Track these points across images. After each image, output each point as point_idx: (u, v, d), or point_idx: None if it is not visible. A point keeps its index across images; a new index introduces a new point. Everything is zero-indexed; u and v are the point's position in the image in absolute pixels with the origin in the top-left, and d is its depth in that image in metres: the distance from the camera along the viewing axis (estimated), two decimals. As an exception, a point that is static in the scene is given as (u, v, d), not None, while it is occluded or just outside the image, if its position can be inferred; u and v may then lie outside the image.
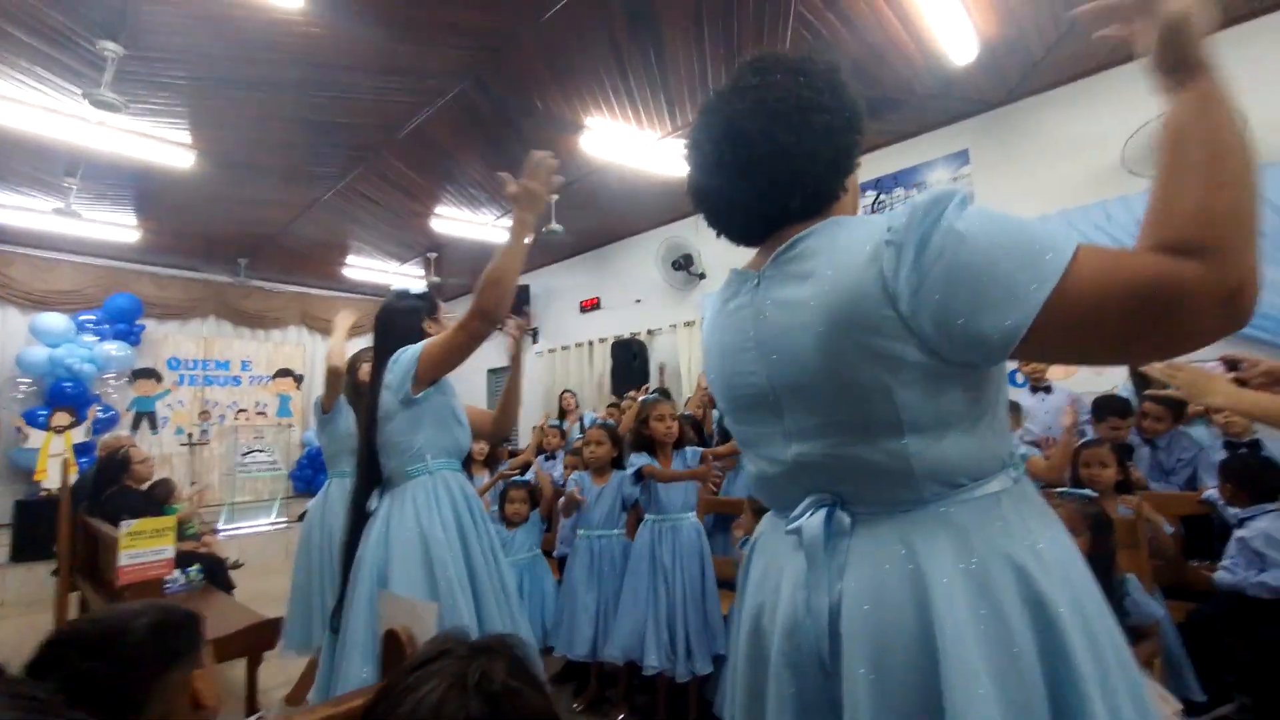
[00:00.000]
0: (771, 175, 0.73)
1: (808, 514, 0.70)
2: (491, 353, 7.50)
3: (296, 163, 4.73)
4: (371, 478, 1.54)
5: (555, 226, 5.42)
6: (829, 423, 0.69)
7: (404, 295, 1.69)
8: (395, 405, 1.48)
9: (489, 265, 1.39)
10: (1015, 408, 3.12)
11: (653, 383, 5.58)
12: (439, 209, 5.58)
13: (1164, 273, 0.53)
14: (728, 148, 0.75)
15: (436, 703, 0.53)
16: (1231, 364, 1.25)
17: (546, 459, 3.76)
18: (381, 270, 7.15)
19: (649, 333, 6.19)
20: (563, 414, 5.25)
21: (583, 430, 4.00)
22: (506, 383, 1.88)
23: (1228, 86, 0.59)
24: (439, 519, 1.44)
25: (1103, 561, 1.76)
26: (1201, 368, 1.17)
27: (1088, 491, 2.00)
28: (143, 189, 5.06)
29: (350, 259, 6.90)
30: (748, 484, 1.62)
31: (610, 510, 2.57)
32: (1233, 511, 2.14)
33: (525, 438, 6.18)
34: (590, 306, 7.00)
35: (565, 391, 5.59)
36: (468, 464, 3.28)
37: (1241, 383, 1.20)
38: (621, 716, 2.48)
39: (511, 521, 2.74)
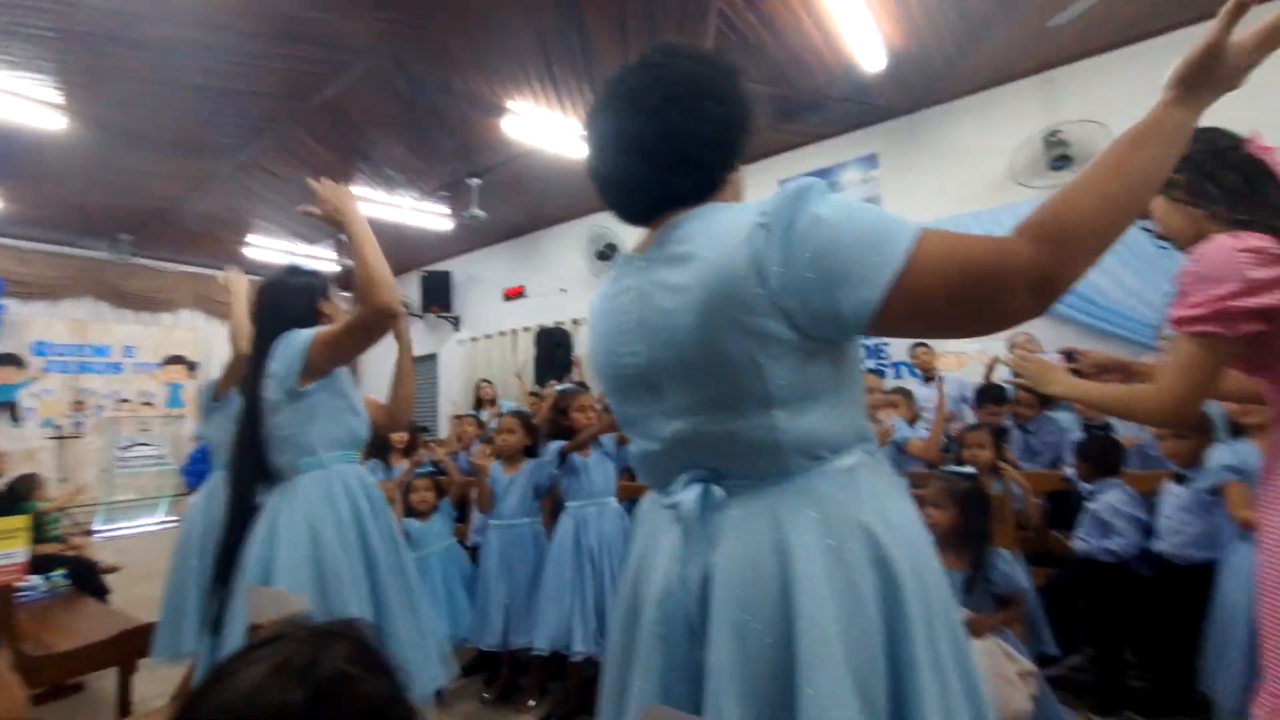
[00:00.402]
0: (660, 154, 0.76)
1: (684, 489, 0.73)
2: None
3: (191, 132, 4.36)
4: (255, 473, 1.43)
5: (477, 212, 5.29)
6: (704, 400, 0.72)
7: (296, 271, 1.58)
8: (282, 396, 1.39)
9: (358, 271, 1.32)
10: (908, 395, 3.36)
11: (577, 373, 5.57)
12: (351, 188, 5.30)
13: (997, 250, 0.60)
14: (623, 124, 0.77)
15: (249, 690, 0.48)
16: (1069, 355, 1.39)
17: (463, 450, 3.68)
18: (288, 251, 6.72)
19: (574, 322, 6.17)
20: (480, 403, 5.14)
21: (502, 420, 3.94)
22: (395, 368, 1.78)
23: (1191, 128, 0.67)
24: (333, 515, 1.37)
25: (975, 535, 1.94)
26: (1045, 359, 1.30)
27: (969, 469, 2.18)
28: (2, 152, 4.50)
29: (252, 238, 6.44)
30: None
31: (522, 499, 2.55)
32: (1086, 486, 2.40)
33: (456, 429, 6.00)
34: (514, 295, 6.89)
35: (482, 380, 5.48)
36: (387, 454, 3.20)
37: (1078, 373, 1.35)
38: (533, 703, 2.48)
39: (419, 512, 2.66)
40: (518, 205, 5.95)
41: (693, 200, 0.78)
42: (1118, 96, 3.64)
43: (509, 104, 4.10)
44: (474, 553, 2.79)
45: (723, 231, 0.70)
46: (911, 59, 3.82)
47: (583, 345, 6.13)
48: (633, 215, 0.84)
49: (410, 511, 2.68)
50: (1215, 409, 2.01)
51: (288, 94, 3.94)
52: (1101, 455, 2.37)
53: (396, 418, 1.80)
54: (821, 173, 4.86)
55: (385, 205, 5.55)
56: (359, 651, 0.55)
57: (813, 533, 0.67)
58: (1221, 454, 1.93)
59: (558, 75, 3.82)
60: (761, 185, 5.08)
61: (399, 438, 3.15)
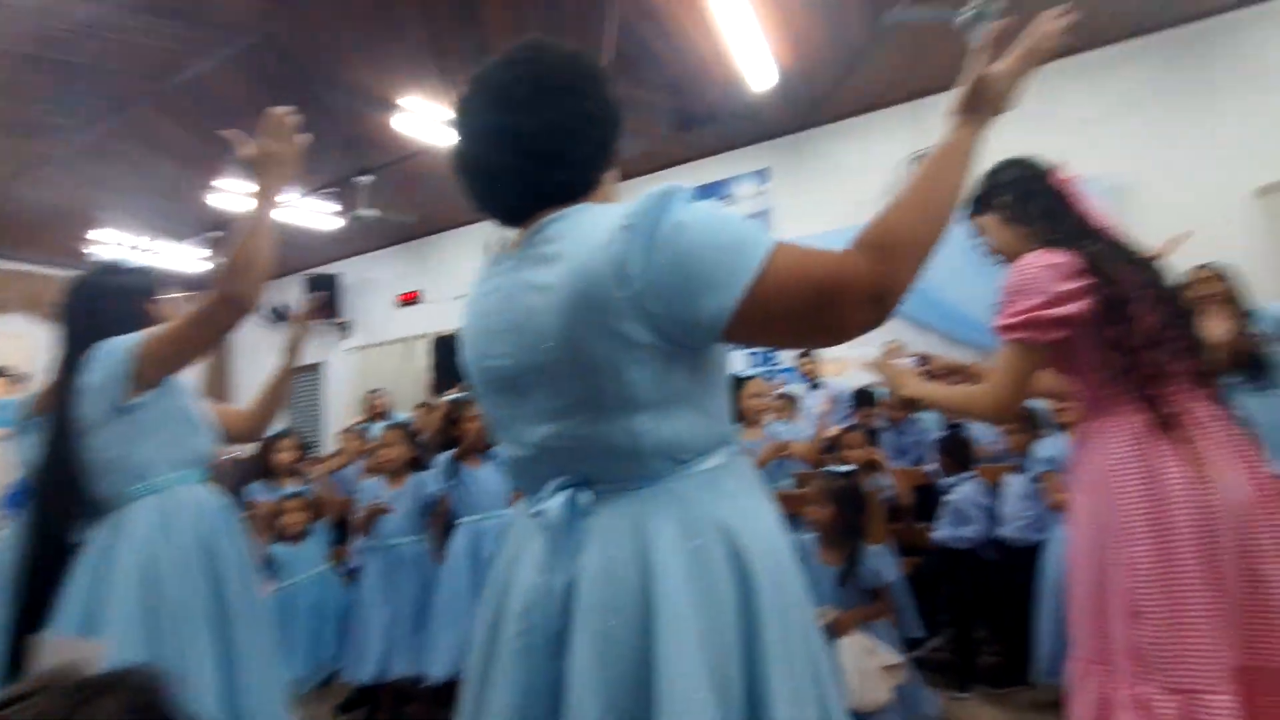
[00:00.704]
0: (531, 150, 0.75)
1: (551, 495, 0.73)
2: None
3: (22, 110, 3.81)
4: (71, 506, 1.24)
5: (367, 211, 5.01)
6: (568, 404, 0.71)
7: (114, 269, 1.40)
8: (103, 413, 1.22)
9: (235, 246, 1.19)
10: (792, 400, 3.54)
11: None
12: (222, 180, 4.85)
13: (838, 264, 0.65)
14: (494, 118, 0.76)
15: None
16: (923, 360, 1.52)
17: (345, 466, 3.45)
18: (147, 250, 6.03)
19: (474, 329, 5.97)
20: (373, 416, 4.85)
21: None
22: (276, 375, 1.62)
23: (980, 146, 0.78)
24: (172, 549, 1.21)
25: (850, 531, 2.07)
26: (899, 364, 1.42)
27: (842, 468, 2.32)
28: None
29: (97, 233, 5.70)
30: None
31: (405, 517, 2.41)
32: (945, 480, 2.63)
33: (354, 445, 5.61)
34: (410, 300, 6.58)
35: (372, 392, 5.18)
36: (273, 473, 2.91)
37: (930, 375, 1.48)
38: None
39: (289, 536, 2.46)
40: (413, 206, 5.70)
41: (564, 199, 0.77)
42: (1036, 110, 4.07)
43: (401, 100, 3.92)
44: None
45: (589, 232, 0.70)
46: (798, 80, 4.05)
47: (483, 352, 5.96)
48: (502, 213, 0.81)
49: (280, 536, 2.48)
50: (1041, 406, 2.27)
51: (142, 71, 3.55)
52: (957, 451, 2.61)
53: (260, 425, 1.63)
54: (717, 185, 5.03)
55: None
56: (132, 707, 0.49)
57: (674, 534, 0.68)
58: (1043, 446, 2.20)
59: (455, 74, 3.70)
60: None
61: (286, 457, 2.89)
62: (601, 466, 0.72)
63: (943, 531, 2.49)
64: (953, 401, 1.33)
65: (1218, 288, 2.39)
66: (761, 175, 4.89)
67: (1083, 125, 3.86)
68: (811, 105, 4.41)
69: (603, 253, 0.67)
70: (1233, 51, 3.63)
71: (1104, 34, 3.79)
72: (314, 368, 7.08)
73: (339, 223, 5.64)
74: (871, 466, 2.63)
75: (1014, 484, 2.33)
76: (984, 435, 2.91)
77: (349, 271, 6.99)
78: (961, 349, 3.82)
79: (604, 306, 0.66)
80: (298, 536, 2.48)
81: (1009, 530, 2.31)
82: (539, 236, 0.75)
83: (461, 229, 6.32)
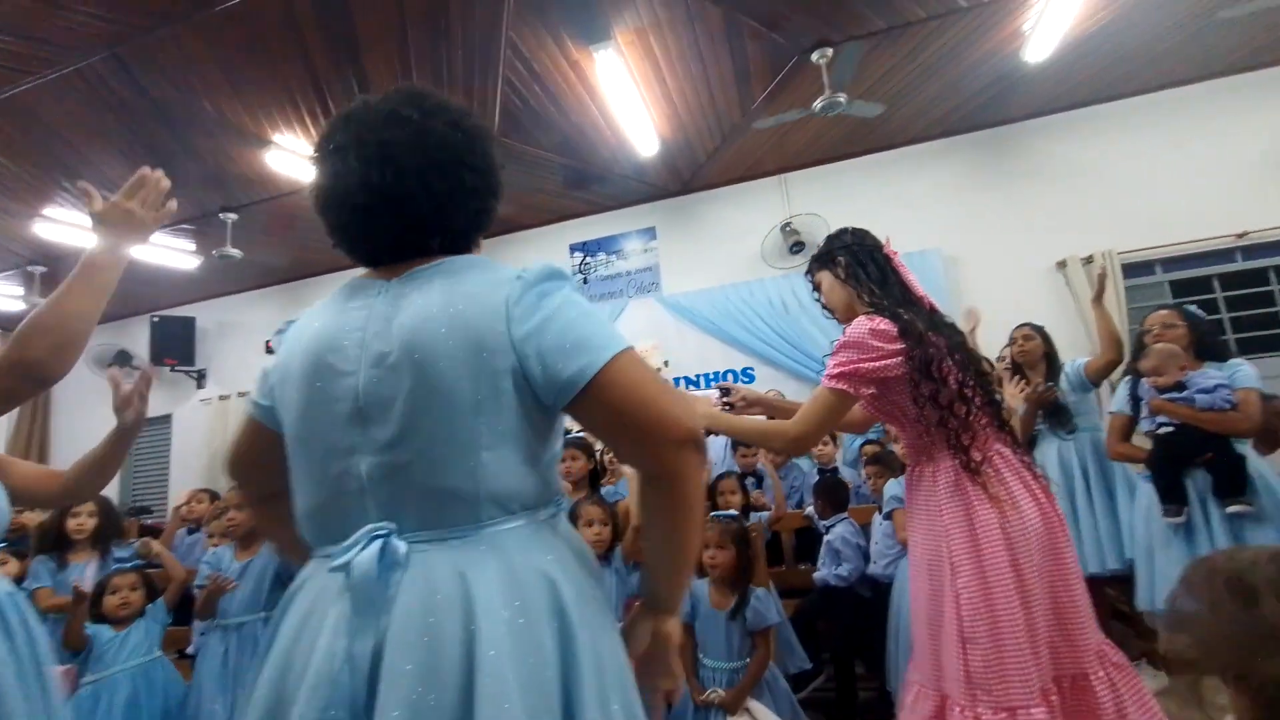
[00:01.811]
0: (418, 215, 0.77)
1: (359, 547, 0.67)
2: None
3: None
4: None
5: (230, 251, 4.62)
6: (418, 435, 0.69)
7: None
8: None
9: (43, 304, 1.04)
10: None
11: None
12: (48, 209, 4.28)
13: (670, 401, 0.71)
14: (379, 174, 0.75)
15: None
16: (723, 390, 1.63)
17: (190, 531, 3.03)
18: (-59, 284, 5.12)
19: (351, 379, 5.59)
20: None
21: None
22: (113, 438, 1.37)
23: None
24: None
25: (742, 572, 2.13)
26: (694, 394, 1.52)
27: (731, 512, 2.40)
28: None
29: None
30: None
31: (256, 591, 2.15)
32: (822, 522, 2.79)
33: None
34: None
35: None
36: (66, 545, 2.46)
37: (731, 406, 1.59)
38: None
39: (116, 619, 2.10)
40: (284, 248, 5.33)
41: (439, 254, 0.80)
42: (832, 196, 4.60)
43: (275, 136, 3.72)
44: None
45: (479, 277, 0.74)
46: (679, 148, 4.34)
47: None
48: (368, 259, 0.82)
49: (103, 618, 2.11)
50: (896, 449, 2.51)
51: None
52: (833, 493, 2.79)
53: (84, 487, 1.36)
54: (608, 240, 5.20)
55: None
56: None
57: (498, 586, 0.67)
58: (891, 486, 2.42)
59: (333, 113, 3.58)
60: (553, 247, 5.29)
61: (79, 524, 2.48)
62: (428, 510, 0.69)
63: (822, 571, 2.62)
64: (755, 434, 1.47)
65: (1037, 344, 2.80)
66: (649, 233, 5.13)
67: (918, 205, 4.47)
68: (692, 172, 4.73)
69: (493, 296, 0.72)
70: (1026, 151, 4.40)
71: (928, 131, 4.45)
72: (162, 420, 6.24)
73: (195, 262, 5.14)
74: (750, 509, 2.74)
75: (881, 525, 2.53)
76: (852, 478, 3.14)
77: (206, 315, 6.33)
78: (808, 384, 4.17)
79: (487, 344, 0.70)
80: (127, 619, 2.12)
81: (877, 567, 2.48)
82: (426, 273, 0.76)
83: (336, 274, 5.98)
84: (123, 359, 6.05)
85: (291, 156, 3.78)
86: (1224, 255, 4.02)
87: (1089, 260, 4.07)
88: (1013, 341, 2.86)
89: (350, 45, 3.06)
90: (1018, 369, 2.80)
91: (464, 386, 0.69)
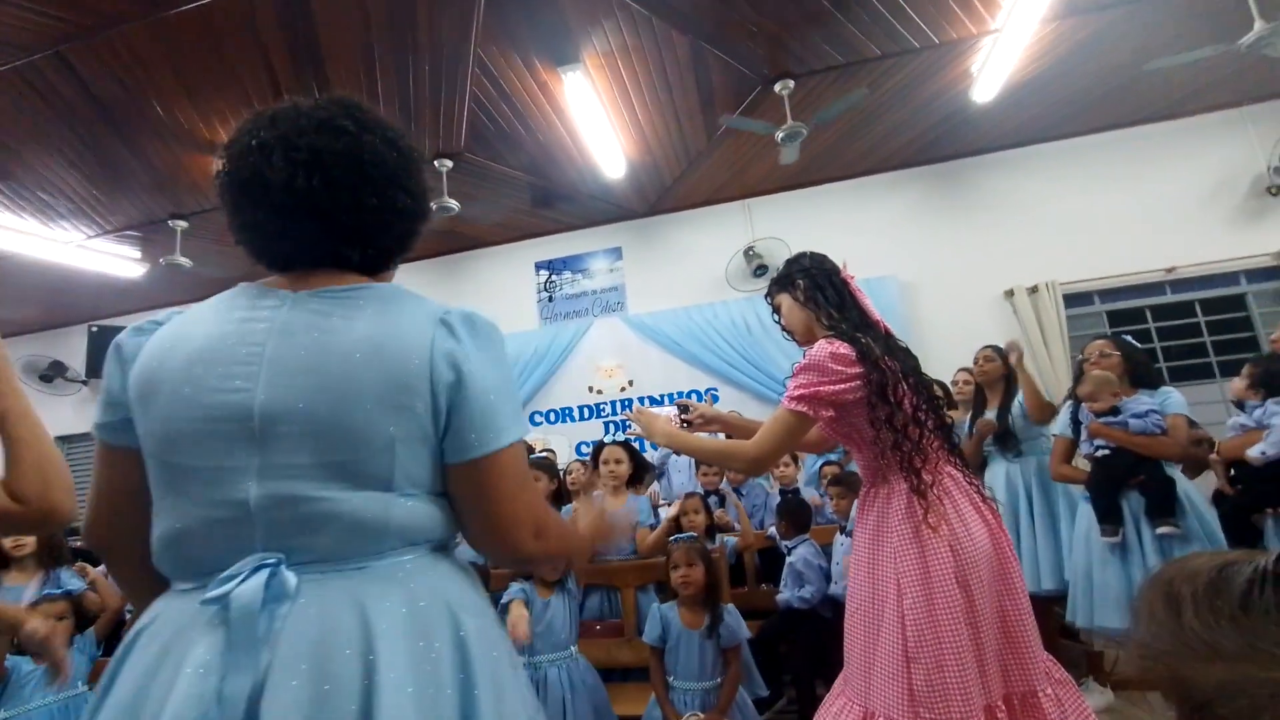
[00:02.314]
0: (344, 227, 0.74)
1: (241, 577, 0.61)
2: (68, 415, 5.59)
3: None
4: None
5: (180, 259, 4.44)
6: (323, 464, 0.66)
7: None
8: None
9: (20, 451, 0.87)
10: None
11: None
12: (-20, 214, 4.04)
13: (536, 514, 0.77)
14: (306, 179, 0.71)
15: None
16: (683, 408, 1.64)
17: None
18: None
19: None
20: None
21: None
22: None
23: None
24: None
25: (712, 589, 2.12)
26: (654, 412, 1.52)
27: (691, 534, 2.38)
28: None
29: None
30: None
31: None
32: (785, 543, 2.80)
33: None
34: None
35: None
36: (4, 565, 2.25)
37: (689, 424, 1.60)
38: None
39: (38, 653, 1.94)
40: (237, 258, 5.12)
41: (364, 274, 0.78)
42: (792, 223, 4.73)
43: (230, 145, 3.61)
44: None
45: (405, 311, 0.72)
46: (646, 172, 4.40)
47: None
48: (276, 262, 0.77)
49: (24, 648, 1.94)
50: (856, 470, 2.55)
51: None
52: (796, 514, 2.80)
53: (33, 498, 1.20)
54: (574, 259, 5.20)
55: (36, 238, 4.33)
56: None
57: (400, 618, 0.65)
58: (855, 507, 2.44)
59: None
60: (519, 264, 5.27)
61: (16, 544, 2.31)
62: (328, 540, 0.65)
63: (784, 593, 2.63)
64: (714, 453, 1.47)
65: (996, 365, 2.88)
66: (616, 253, 5.15)
67: (874, 233, 4.63)
68: (659, 195, 4.80)
69: (420, 333, 0.70)
70: (975, 185, 4.62)
71: (886, 162, 4.64)
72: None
73: (140, 270, 4.92)
74: (714, 530, 2.74)
75: (842, 544, 2.55)
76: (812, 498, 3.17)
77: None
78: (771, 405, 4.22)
79: (405, 384, 0.68)
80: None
81: (838, 588, 2.50)
82: (344, 295, 0.72)
83: (295, 287, 5.80)
84: (56, 370, 5.71)
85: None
86: (1155, 288, 4.28)
87: (1034, 290, 4.27)
88: (976, 361, 2.95)
89: (313, 53, 3.01)
90: (979, 389, 2.89)
91: (381, 420, 0.67)
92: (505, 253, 5.36)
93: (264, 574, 0.61)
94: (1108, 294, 4.35)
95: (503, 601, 2.08)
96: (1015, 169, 4.54)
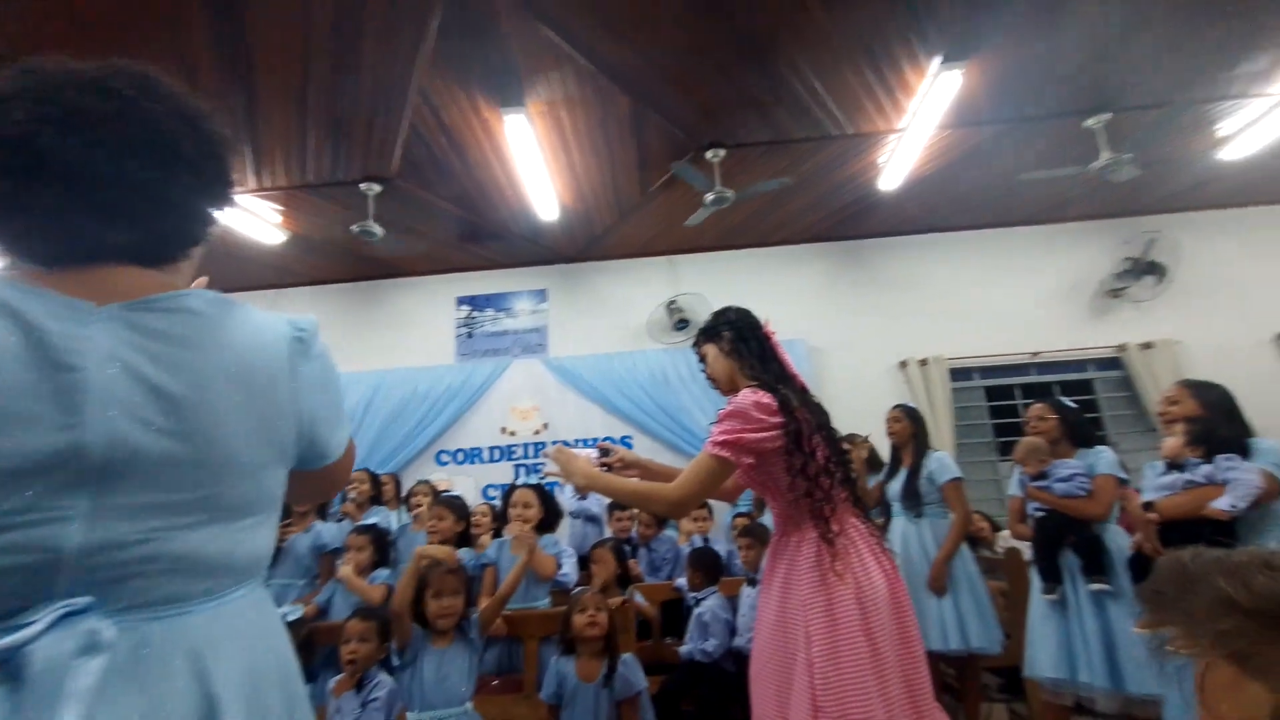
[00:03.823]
0: (103, 201, 0.61)
1: (40, 627, 0.49)
2: None
3: None
4: None
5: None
6: (175, 502, 0.58)
7: None
8: None
9: None
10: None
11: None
12: None
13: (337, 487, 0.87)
14: (55, 138, 0.58)
15: None
16: (603, 451, 1.65)
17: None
18: None
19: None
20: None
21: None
22: None
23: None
24: None
25: (611, 640, 2.07)
26: (574, 452, 1.51)
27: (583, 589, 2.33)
28: None
29: None
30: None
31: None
32: (693, 595, 2.80)
33: None
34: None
35: None
36: None
37: (608, 467, 1.61)
38: None
39: None
40: None
41: (144, 262, 0.65)
42: (713, 282, 4.94)
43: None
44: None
45: (249, 324, 0.67)
46: (578, 218, 4.48)
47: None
48: (50, 258, 0.61)
49: None
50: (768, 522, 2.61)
51: None
52: (708, 565, 2.81)
53: None
54: (498, 296, 5.14)
55: None
56: None
57: (239, 673, 0.60)
58: (764, 557, 2.49)
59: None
60: (440, 297, 5.13)
61: None
62: (158, 583, 0.56)
63: (687, 646, 2.60)
64: (634, 495, 1.49)
65: (905, 425, 3.00)
66: (540, 295, 5.14)
67: (788, 298, 4.93)
68: (588, 242, 4.88)
69: (275, 348, 0.67)
70: (878, 263, 5.07)
71: (801, 235, 5.00)
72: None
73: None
74: (623, 582, 2.69)
75: (749, 595, 2.58)
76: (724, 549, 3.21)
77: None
78: (684, 456, 4.31)
79: (273, 405, 0.66)
80: None
81: (743, 640, 2.51)
82: (166, 306, 0.61)
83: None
84: None
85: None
86: (1023, 369, 4.81)
87: (924, 363, 4.68)
88: (887, 421, 3.07)
89: (239, 59, 2.87)
90: (894, 449, 3.02)
91: (245, 448, 0.62)
92: (427, 284, 5.21)
93: (76, 621, 0.50)
94: (986, 371, 4.84)
95: None
96: (912, 253, 5.03)
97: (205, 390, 0.60)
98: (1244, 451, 1.93)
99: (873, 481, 3.10)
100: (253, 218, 4.03)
